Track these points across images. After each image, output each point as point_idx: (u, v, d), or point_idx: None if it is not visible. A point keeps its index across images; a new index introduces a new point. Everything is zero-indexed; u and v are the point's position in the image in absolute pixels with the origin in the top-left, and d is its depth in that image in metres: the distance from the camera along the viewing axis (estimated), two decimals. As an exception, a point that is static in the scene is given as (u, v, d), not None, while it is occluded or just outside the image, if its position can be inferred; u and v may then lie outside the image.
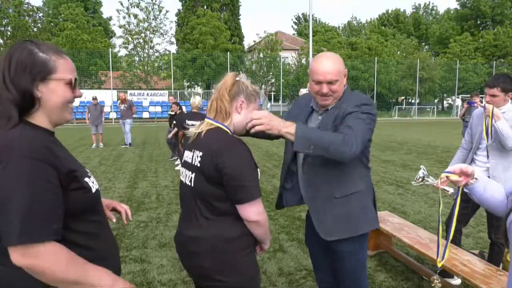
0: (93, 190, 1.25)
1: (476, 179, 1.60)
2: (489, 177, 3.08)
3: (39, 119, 1.19)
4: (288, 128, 1.71)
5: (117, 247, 1.43)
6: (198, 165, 1.63)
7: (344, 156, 1.74)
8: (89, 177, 1.28)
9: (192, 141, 1.72)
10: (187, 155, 1.74)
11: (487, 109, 2.98)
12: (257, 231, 1.67)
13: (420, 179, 3.45)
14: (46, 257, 1.06)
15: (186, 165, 1.74)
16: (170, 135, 7.62)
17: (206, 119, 1.74)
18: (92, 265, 1.17)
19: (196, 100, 7.13)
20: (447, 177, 1.60)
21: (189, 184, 1.67)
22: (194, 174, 1.65)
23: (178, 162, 9.38)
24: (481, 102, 3.14)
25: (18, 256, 1.05)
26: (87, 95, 28.38)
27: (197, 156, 1.64)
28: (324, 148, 1.72)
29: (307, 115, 2.08)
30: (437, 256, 1.78)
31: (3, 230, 1.04)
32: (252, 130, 1.71)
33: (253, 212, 1.61)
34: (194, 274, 1.75)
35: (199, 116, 6.91)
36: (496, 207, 1.58)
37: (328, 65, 1.90)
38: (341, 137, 1.74)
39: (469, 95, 36.25)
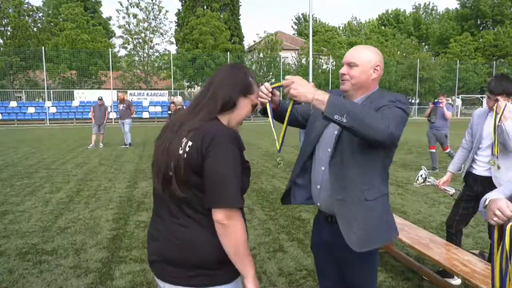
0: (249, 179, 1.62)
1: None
2: (491, 178, 3.08)
3: (224, 119, 1.56)
4: (320, 95, 1.59)
5: None
6: None
7: (378, 132, 1.57)
8: None
9: None
10: None
11: (499, 106, 2.91)
12: None
13: (422, 180, 3.45)
14: (238, 221, 1.40)
15: None
16: None
17: None
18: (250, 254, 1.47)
19: (179, 99, 9.46)
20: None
21: None
22: None
23: None
24: (479, 100, 3.13)
25: (223, 215, 1.37)
26: (87, 95, 28.56)
27: None
28: (358, 118, 1.55)
29: None
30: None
31: (220, 194, 1.38)
32: (288, 96, 1.67)
33: None
34: None
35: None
36: None
37: (354, 49, 1.91)
38: (378, 114, 1.64)
39: (469, 95, 36.30)
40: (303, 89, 1.63)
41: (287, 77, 1.69)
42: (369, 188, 1.81)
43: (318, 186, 1.92)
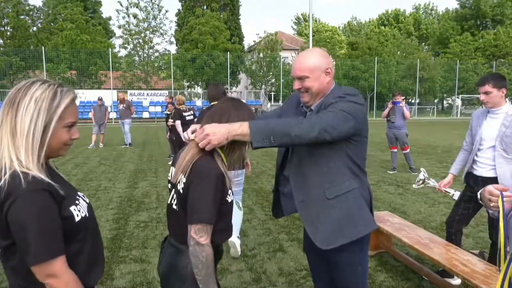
0: None
1: None
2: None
3: None
4: (239, 129, 1.49)
5: None
6: None
7: (311, 135, 1.58)
8: None
9: None
10: None
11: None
12: None
13: (421, 182, 3.45)
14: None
15: None
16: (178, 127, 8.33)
17: None
18: None
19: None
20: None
21: None
22: None
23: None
24: (479, 100, 3.12)
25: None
26: (87, 95, 28.55)
27: None
28: (285, 134, 1.55)
29: (303, 115, 1.96)
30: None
31: None
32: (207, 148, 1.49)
33: None
34: None
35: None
36: None
37: (300, 61, 1.85)
38: (300, 119, 1.66)
39: (469, 95, 36.24)
40: (218, 134, 1.46)
41: (195, 133, 1.51)
42: (330, 187, 1.80)
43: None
